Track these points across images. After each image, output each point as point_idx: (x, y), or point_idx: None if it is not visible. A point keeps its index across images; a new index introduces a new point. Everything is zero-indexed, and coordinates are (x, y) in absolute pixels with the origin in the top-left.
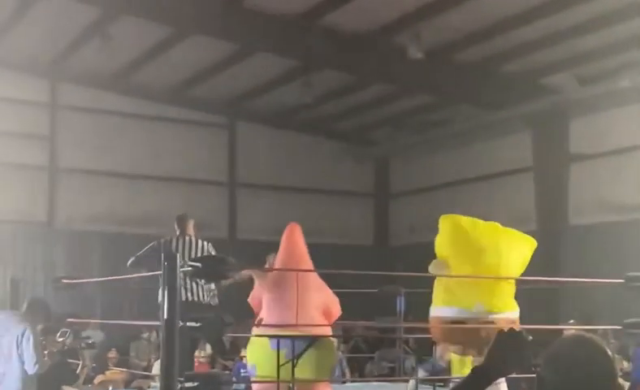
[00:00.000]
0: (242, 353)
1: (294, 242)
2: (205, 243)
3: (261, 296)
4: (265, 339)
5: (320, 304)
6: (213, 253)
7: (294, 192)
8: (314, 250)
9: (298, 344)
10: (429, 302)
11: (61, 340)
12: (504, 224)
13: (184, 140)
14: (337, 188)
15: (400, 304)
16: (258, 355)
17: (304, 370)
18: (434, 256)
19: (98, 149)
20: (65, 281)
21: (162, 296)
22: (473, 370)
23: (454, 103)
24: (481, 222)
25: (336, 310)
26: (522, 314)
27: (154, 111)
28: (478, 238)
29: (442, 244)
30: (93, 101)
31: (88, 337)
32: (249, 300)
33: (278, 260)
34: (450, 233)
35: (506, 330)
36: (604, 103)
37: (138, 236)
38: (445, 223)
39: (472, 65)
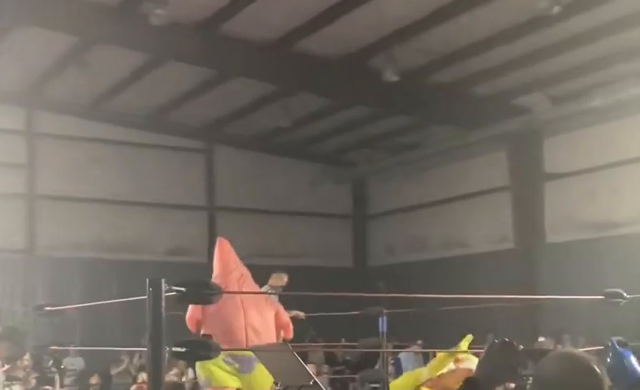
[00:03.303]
0: None
1: (229, 255)
2: None
3: (199, 316)
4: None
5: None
6: None
7: (274, 214)
8: (295, 272)
9: (249, 362)
10: (410, 322)
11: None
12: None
13: (163, 165)
14: (316, 210)
15: (383, 324)
16: (211, 369)
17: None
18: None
19: (76, 176)
20: (47, 308)
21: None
22: (465, 381)
23: (429, 125)
24: None
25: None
26: (501, 328)
27: (132, 137)
28: None
29: None
30: (71, 128)
31: (61, 363)
32: (188, 320)
33: (218, 275)
34: None
35: (497, 341)
36: (576, 122)
37: (118, 262)
38: None
39: (446, 87)
